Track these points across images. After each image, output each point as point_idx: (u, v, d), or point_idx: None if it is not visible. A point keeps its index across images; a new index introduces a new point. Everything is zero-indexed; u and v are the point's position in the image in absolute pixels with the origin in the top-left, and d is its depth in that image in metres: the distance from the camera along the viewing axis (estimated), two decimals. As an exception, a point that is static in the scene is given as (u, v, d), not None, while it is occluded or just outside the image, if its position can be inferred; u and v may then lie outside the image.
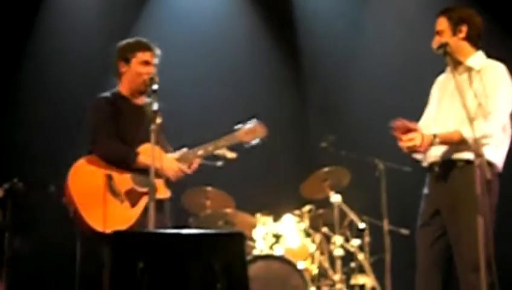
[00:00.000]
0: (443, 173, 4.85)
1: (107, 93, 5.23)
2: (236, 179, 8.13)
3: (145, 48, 5.24)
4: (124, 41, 5.33)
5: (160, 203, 5.03)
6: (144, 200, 5.00)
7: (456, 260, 4.77)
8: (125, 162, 5.00)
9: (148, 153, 4.89)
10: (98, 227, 4.83)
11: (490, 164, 4.69)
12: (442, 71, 5.12)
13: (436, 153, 4.86)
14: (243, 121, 5.59)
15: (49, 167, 8.21)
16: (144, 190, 5.02)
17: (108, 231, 4.75)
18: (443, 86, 5.04)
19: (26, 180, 7.77)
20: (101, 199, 4.87)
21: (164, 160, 5.09)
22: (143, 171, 4.91)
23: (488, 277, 4.35)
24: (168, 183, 5.22)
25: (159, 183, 5.08)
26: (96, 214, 4.83)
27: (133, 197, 5.01)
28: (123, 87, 5.26)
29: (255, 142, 5.50)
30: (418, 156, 5.05)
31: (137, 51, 5.23)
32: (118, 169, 5.01)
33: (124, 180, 5.02)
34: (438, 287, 4.86)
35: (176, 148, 5.35)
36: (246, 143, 5.46)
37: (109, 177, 4.94)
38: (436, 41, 4.93)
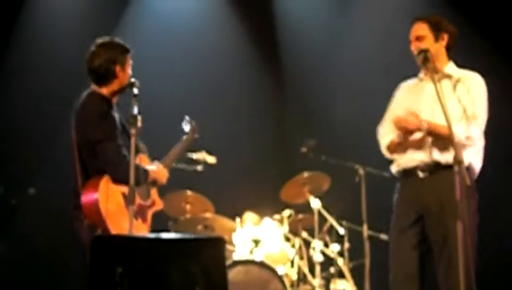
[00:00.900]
0: (428, 177, 4.86)
1: (93, 99, 5.01)
2: (216, 183, 8.13)
3: (129, 50, 5.14)
4: (108, 43, 5.10)
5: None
6: (149, 214, 5.03)
7: (438, 265, 4.77)
8: (140, 181, 4.83)
9: (149, 165, 5.05)
10: None
11: (472, 170, 4.77)
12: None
13: (420, 157, 4.85)
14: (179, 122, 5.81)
15: (29, 170, 8.19)
16: (147, 203, 5.06)
17: None
18: (415, 92, 5.01)
19: (6, 183, 7.76)
20: (123, 217, 4.70)
21: (157, 169, 5.11)
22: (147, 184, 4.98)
23: (468, 281, 4.40)
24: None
25: (155, 194, 5.14)
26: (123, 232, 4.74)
27: (142, 212, 4.97)
28: (107, 90, 5.05)
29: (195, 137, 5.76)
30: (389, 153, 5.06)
31: (127, 54, 5.11)
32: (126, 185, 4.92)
33: None
34: None
35: (153, 149, 5.34)
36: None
37: (124, 196, 4.82)
38: (416, 47, 4.93)
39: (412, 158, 4.88)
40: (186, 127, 5.73)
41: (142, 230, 4.90)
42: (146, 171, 4.94)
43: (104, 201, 4.73)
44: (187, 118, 5.79)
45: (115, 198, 4.80)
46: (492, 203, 7.25)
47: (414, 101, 4.98)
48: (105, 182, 4.81)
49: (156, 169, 5.09)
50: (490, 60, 8.11)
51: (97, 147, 4.83)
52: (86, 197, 4.76)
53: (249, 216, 7.58)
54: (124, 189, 4.79)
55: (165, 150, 5.37)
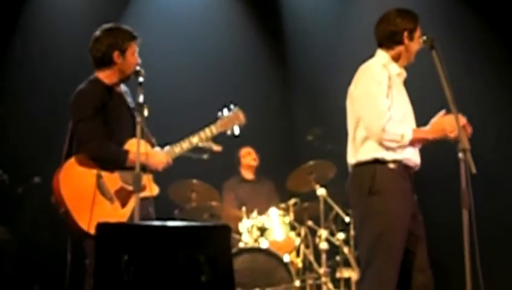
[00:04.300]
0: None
1: (89, 84, 5.04)
2: (222, 172, 8.14)
3: (135, 37, 5.09)
4: (112, 29, 5.08)
5: (147, 200, 4.98)
6: (133, 199, 4.88)
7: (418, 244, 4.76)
8: (117, 163, 4.89)
9: (134, 149, 4.85)
10: (90, 229, 4.68)
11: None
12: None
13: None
14: (222, 108, 5.60)
15: (34, 158, 8.20)
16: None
17: (91, 231, 4.69)
18: (395, 82, 4.86)
19: (12, 172, 7.77)
20: (91, 200, 4.76)
21: (152, 154, 5.02)
22: (131, 169, 4.78)
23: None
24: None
25: (148, 180, 4.98)
26: (87, 216, 4.72)
27: (123, 196, 4.91)
28: (107, 77, 5.04)
29: (236, 129, 5.55)
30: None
31: (130, 41, 5.05)
32: (107, 168, 4.90)
33: (114, 180, 4.91)
34: None
35: (161, 141, 5.30)
36: (228, 131, 5.51)
37: (99, 178, 4.83)
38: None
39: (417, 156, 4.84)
40: (224, 114, 5.55)
41: (117, 213, 4.87)
42: (125, 153, 4.91)
43: (66, 181, 4.79)
44: (232, 106, 5.63)
45: (84, 180, 4.82)
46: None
47: (405, 100, 4.91)
48: (72, 162, 4.86)
49: (150, 154, 4.99)
50: (495, 52, 8.14)
51: (76, 127, 4.91)
52: (54, 176, 4.82)
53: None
54: (100, 171, 4.85)
55: (170, 141, 5.33)
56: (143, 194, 4.87)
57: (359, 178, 4.74)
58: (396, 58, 4.88)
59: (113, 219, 4.76)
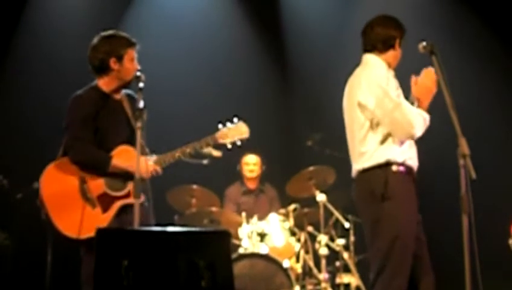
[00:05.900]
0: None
1: (86, 91, 5.08)
2: (222, 177, 8.13)
3: (133, 44, 5.11)
4: (109, 36, 5.11)
5: (130, 207, 4.87)
6: (116, 205, 4.95)
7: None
8: (99, 168, 4.93)
9: (122, 156, 4.94)
10: (68, 232, 4.78)
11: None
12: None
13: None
14: (225, 120, 5.52)
15: (34, 163, 8.19)
16: (117, 194, 4.97)
17: (81, 236, 4.76)
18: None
19: (11, 177, 7.75)
20: (73, 203, 4.82)
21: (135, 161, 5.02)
22: (117, 175, 4.90)
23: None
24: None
25: (132, 187, 4.92)
26: (67, 219, 4.78)
27: (105, 201, 4.93)
28: (106, 84, 5.08)
29: (238, 142, 5.48)
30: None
31: (127, 48, 5.08)
32: (91, 173, 4.94)
33: (97, 185, 4.94)
34: None
35: (161, 146, 5.29)
36: (229, 143, 5.44)
37: (82, 182, 4.89)
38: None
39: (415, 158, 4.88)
40: (224, 126, 5.45)
41: (97, 218, 4.87)
42: (109, 159, 4.94)
43: (46, 184, 4.87)
44: (236, 119, 5.55)
45: (65, 184, 4.87)
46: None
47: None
48: (55, 165, 4.94)
49: (138, 162, 4.89)
50: (495, 53, 8.15)
51: (65, 131, 4.98)
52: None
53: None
54: (84, 176, 4.90)
55: (168, 146, 5.31)
56: (127, 201, 4.94)
57: (370, 184, 4.76)
58: (387, 63, 4.91)
59: (93, 223, 4.74)
